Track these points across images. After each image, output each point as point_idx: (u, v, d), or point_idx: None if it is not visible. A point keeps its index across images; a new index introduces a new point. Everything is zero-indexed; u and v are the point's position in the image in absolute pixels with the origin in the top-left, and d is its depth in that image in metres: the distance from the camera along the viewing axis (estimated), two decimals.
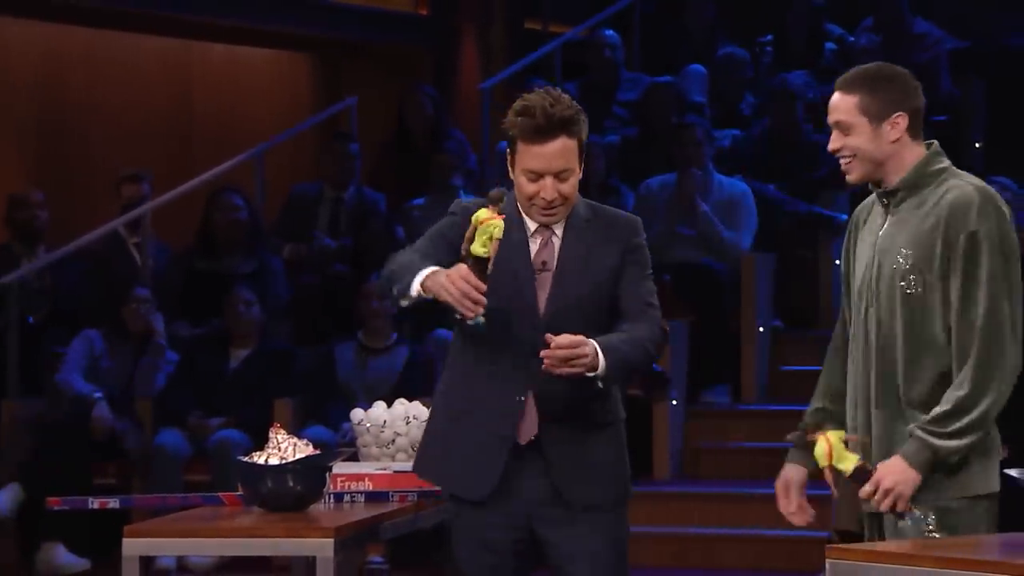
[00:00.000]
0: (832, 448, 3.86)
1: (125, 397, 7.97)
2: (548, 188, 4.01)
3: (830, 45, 10.53)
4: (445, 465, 4.12)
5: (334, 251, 8.82)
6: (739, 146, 9.37)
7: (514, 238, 4.05)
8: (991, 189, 3.90)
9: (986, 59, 9.90)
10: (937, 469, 3.81)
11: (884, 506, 3.84)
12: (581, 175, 4.07)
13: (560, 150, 3.99)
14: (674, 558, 7.62)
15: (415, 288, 3.93)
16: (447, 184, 9.11)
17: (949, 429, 3.78)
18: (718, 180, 8.65)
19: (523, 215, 4.09)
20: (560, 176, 4.01)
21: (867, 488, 3.86)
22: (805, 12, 10.51)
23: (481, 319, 3.86)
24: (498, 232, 3.90)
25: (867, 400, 3.91)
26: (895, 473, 3.81)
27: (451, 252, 4.01)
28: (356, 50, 11.45)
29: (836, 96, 3.99)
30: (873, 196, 4.02)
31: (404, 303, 3.97)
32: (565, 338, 3.90)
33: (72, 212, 9.64)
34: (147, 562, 4.31)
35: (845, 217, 8.93)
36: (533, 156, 4.00)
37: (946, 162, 3.94)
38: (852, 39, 10.36)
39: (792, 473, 4.08)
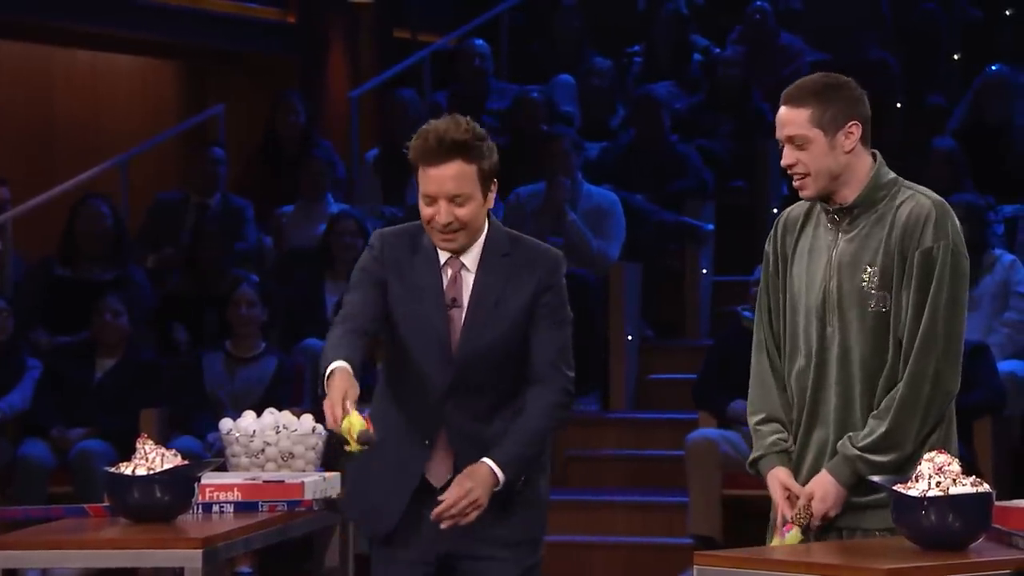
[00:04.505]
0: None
1: None
2: (442, 212, 3.94)
3: (696, 56, 10.65)
4: (358, 500, 4.12)
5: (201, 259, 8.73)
6: (606, 156, 9.43)
7: (425, 270, 4.00)
8: (946, 203, 3.85)
9: (846, 71, 10.05)
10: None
11: (813, 525, 3.83)
12: (489, 202, 3.99)
13: (453, 174, 3.93)
14: (543, 566, 7.63)
15: (325, 385, 3.88)
16: (317, 192, 9.08)
17: (877, 460, 3.76)
18: (587, 189, 8.70)
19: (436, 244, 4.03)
20: (455, 200, 3.94)
21: (801, 504, 3.83)
22: (671, 24, 10.62)
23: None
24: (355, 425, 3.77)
25: (825, 419, 3.84)
26: (829, 497, 3.80)
27: (378, 287, 3.97)
28: (223, 58, 11.36)
29: (784, 111, 3.83)
30: (804, 205, 3.93)
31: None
32: (450, 498, 3.87)
33: None
34: (12, 575, 4.24)
35: (711, 227, 9.05)
36: (427, 179, 3.96)
37: (891, 172, 3.89)
38: (718, 51, 10.49)
39: (781, 474, 3.88)
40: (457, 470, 3.98)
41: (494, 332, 3.98)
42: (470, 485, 3.89)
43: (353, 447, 3.80)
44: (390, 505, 4.02)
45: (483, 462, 3.92)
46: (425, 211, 3.98)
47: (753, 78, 9.81)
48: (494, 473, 3.91)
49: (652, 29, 10.68)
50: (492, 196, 4.01)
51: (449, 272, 4.02)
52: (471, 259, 4.02)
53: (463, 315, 3.99)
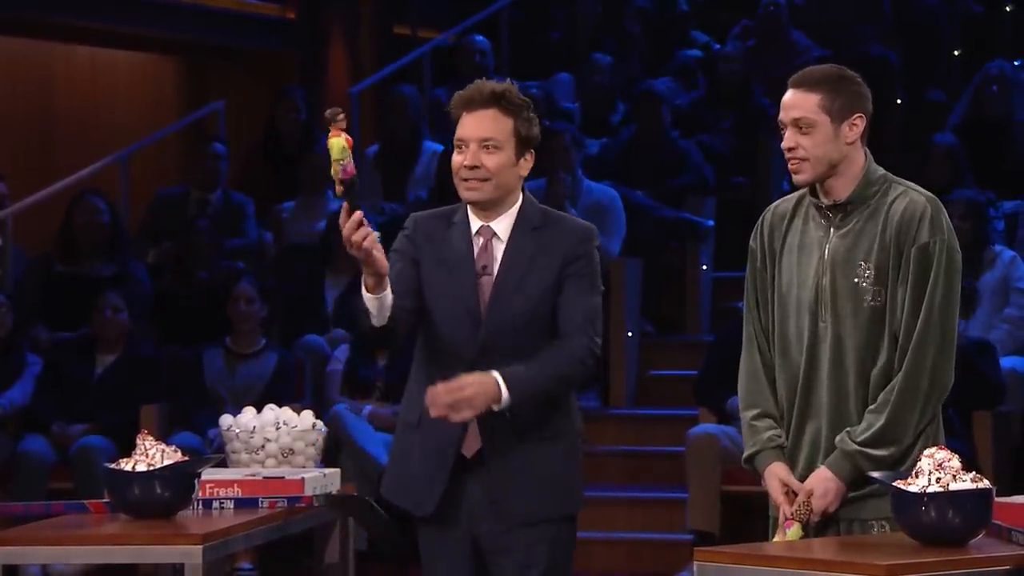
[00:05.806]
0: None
1: None
2: (470, 154, 3.96)
3: (696, 52, 10.65)
4: (400, 480, 4.09)
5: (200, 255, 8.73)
6: (607, 152, 9.43)
7: (458, 241, 4.02)
8: (937, 199, 3.86)
9: (846, 67, 10.07)
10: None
11: (813, 520, 3.84)
12: (521, 169, 3.98)
13: (488, 119, 3.96)
14: None
15: (366, 298, 3.85)
16: (318, 188, 9.08)
17: (876, 454, 3.77)
18: (587, 185, 8.71)
19: (468, 214, 4.04)
20: (485, 145, 3.95)
21: (799, 500, 3.84)
22: (671, 20, 10.62)
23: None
24: (336, 151, 3.78)
25: (818, 412, 3.85)
26: (829, 492, 3.81)
27: (411, 265, 3.99)
28: (223, 53, 11.36)
29: (793, 94, 3.85)
30: (790, 200, 3.94)
31: (378, 320, 3.88)
32: (442, 385, 3.85)
33: None
34: (12, 571, 4.24)
35: (712, 223, 9.04)
36: (461, 125, 4.00)
37: (880, 168, 3.90)
38: (717, 47, 10.49)
39: (779, 470, 3.91)
40: (485, 439, 3.97)
41: (523, 299, 3.98)
42: (468, 381, 3.85)
43: (336, 166, 3.77)
44: (433, 480, 4.00)
45: (490, 373, 3.88)
46: (455, 159, 4.01)
47: (755, 73, 9.81)
48: (498, 386, 3.87)
49: (651, 25, 10.69)
50: (526, 165, 4.00)
51: (481, 240, 4.03)
52: (503, 228, 4.03)
53: (491, 285, 4.00)
